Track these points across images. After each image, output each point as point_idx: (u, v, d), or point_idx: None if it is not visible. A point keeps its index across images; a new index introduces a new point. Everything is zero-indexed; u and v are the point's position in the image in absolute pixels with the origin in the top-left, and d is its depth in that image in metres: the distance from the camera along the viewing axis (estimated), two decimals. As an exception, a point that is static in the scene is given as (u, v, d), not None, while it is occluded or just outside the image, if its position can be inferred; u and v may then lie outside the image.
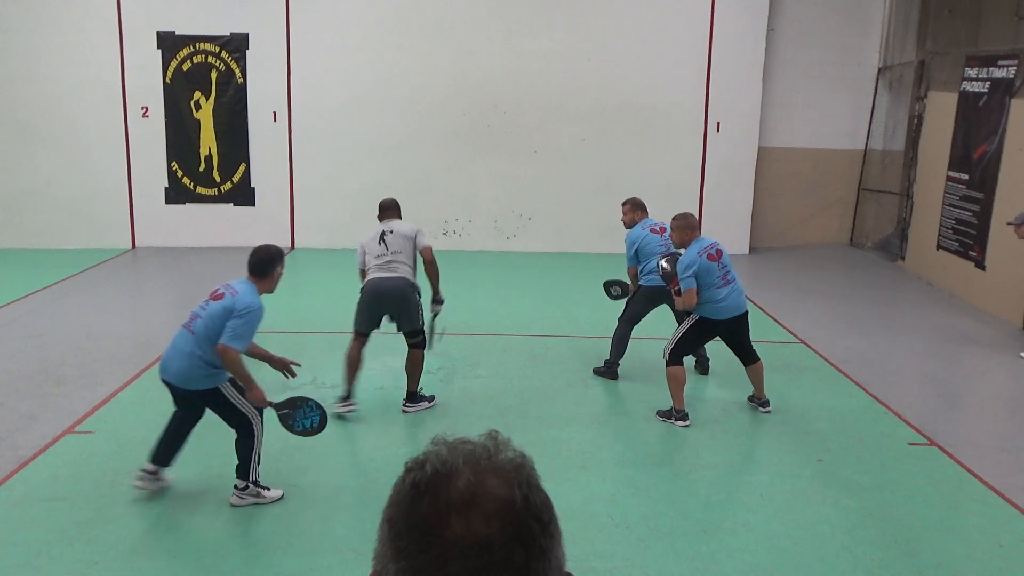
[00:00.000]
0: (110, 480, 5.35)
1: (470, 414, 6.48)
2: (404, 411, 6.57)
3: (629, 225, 7.40)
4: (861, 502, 5.28)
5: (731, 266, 6.47)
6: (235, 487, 5.10)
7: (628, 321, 7.36)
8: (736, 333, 6.53)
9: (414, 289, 6.43)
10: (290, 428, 5.19)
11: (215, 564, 4.49)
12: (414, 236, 6.50)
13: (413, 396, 6.60)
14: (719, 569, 4.51)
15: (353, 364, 6.50)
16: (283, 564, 4.49)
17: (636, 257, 7.21)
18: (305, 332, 8.86)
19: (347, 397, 6.50)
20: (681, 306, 6.43)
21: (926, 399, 7.25)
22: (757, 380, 6.68)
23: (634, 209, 7.44)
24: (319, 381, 7.19)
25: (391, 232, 6.50)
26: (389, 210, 6.79)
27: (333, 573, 4.40)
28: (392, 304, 6.40)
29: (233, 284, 5.03)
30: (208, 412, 5.18)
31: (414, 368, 6.56)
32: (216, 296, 4.99)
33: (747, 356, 6.61)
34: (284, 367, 5.39)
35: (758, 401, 6.74)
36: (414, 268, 6.49)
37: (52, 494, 5.15)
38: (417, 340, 6.53)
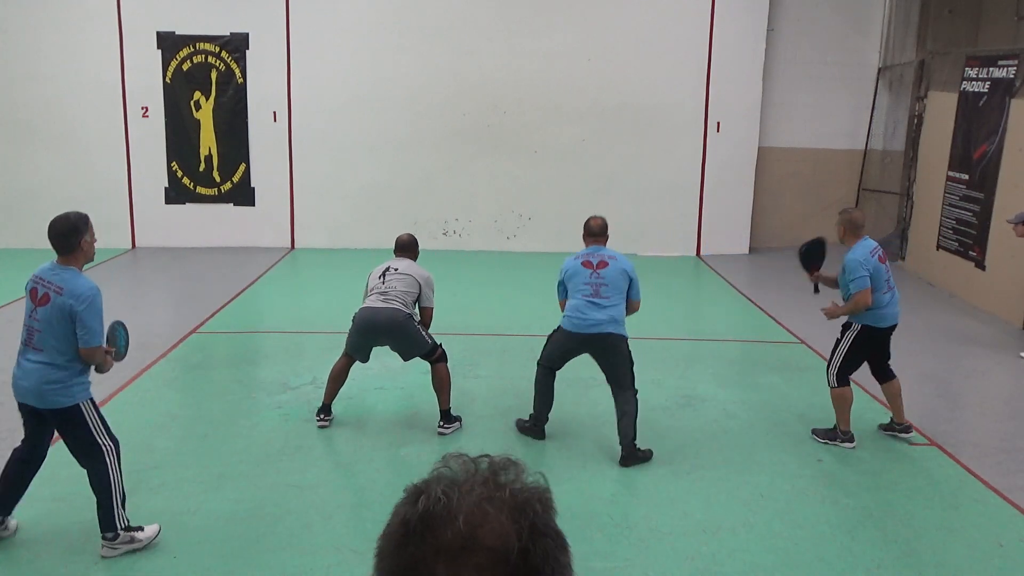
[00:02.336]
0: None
1: (470, 414, 6.48)
2: (440, 433, 6.10)
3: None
4: (861, 502, 5.28)
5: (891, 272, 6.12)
6: (104, 538, 4.47)
7: (546, 366, 6.12)
8: (887, 343, 6.17)
9: (409, 317, 6.03)
10: (118, 353, 4.63)
11: (215, 564, 4.49)
12: (420, 286, 6.11)
13: (447, 416, 6.20)
14: (719, 569, 4.51)
15: (335, 378, 6.25)
16: (283, 564, 4.49)
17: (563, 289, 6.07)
18: (305, 332, 8.86)
19: (324, 410, 6.25)
20: (841, 312, 5.96)
21: (926, 399, 7.25)
22: (895, 401, 6.19)
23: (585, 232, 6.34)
24: (319, 381, 7.18)
25: (395, 271, 6.17)
26: (403, 249, 6.41)
27: (333, 573, 4.40)
28: (386, 335, 6.05)
29: (49, 279, 4.35)
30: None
31: (441, 384, 6.14)
32: (42, 301, 4.33)
33: (885, 372, 6.22)
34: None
35: (899, 427, 6.22)
36: (411, 309, 6.08)
37: (52, 494, 5.15)
38: (437, 355, 6.13)
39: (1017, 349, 8.50)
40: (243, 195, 13.00)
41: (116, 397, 6.82)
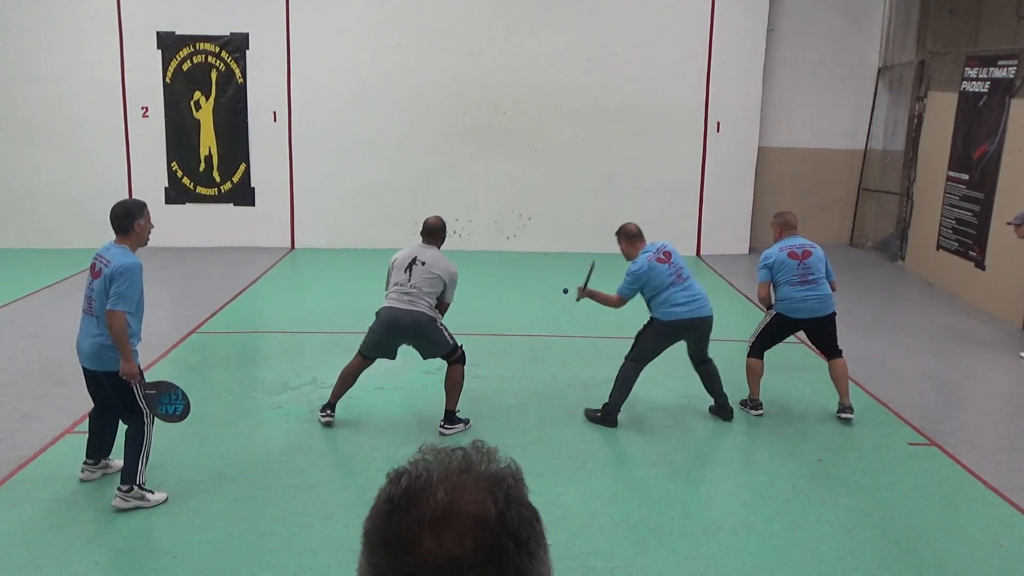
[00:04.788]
0: (110, 480, 5.35)
1: (470, 414, 6.48)
2: (441, 433, 6.11)
3: (631, 257, 6.50)
4: (861, 502, 5.28)
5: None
6: (119, 489, 4.97)
7: (636, 361, 6.42)
8: (820, 332, 6.73)
9: (433, 320, 6.00)
10: (153, 409, 5.08)
11: (215, 564, 4.49)
12: (445, 283, 6.04)
13: (451, 417, 6.18)
14: (719, 569, 4.51)
15: (346, 378, 6.18)
16: (283, 564, 4.49)
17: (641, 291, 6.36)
18: (305, 332, 8.86)
19: (329, 407, 6.20)
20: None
21: (926, 399, 7.25)
22: (839, 382, 6.55)
23: (627, 238, 6.57)
24: (319, 381, 7.19)
25: (422, 265, 6.01)
26: (431, 235, 6.18)
27: (333, 573, 4.40)
28: (410, 336, 6.05)
29: (103, 254, 4.99)
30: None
31: (453, 385, 6.14)
32: (96, 273, 4.98)
33: (830, 353, 6.69)
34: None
35: (842, 406, 6.55)
36: (434, 306, 6.06)
37: (52, 494, 5.15)
38: (456, 356, 6.11)
39: (1017, 349, 8.50)
40: (243, 195, 13.00)
41: (116, 397, 6.82)
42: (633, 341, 6.48)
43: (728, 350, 8.42)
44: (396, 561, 1.00)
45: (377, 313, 6.12)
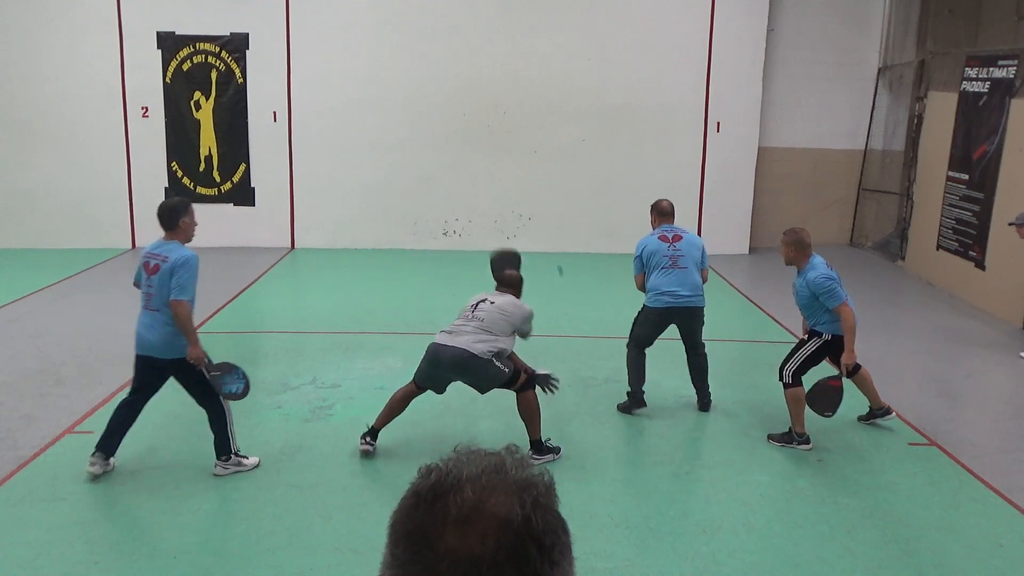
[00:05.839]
0: (110, 480, 5.35)
1: (470, 414, 6.48)
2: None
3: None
4: (861, 502, 5.28)
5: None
6: (218, 460, 5.42)
7: (636, 344, 6.65)
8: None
9: (475, 356, 5.57)
10: (218, 389, 5.41)
11: (215, 564, 4.49)
12: (514, 325, 5.82)
13: (538, 446, 5.76)
14: (719, 569, 4.51)
15: (394, 405, 5.82)
16: (283, 564, 4.49)
17: (641, 265, 6.58)
18: (305, 332, 8.86)
19: (371, 433, 5.80)
20: (852, 348, 5.90)
21: (926, 399, 7.25)
22: (867, 388, 6.35)
23: (655, 214, 6.79)
24: (319, 381, 7.19)
25: (491, 303, 5.83)
26: (507, 286, 6.13)
27: (333, 573, 4.40)
28: (453, 372, 5.71)
29: (156, 251, 5.32)
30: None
31: (526, 414, 5.76)
32: (153, 270, 5.26)
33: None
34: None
35: (879, 411, 6.38)
36: (489, 341, 5.66)
37: (52, 494, 5.15)
38: (520, 383, 5.74)
39: (1017, 349, 8.50)
40: (243, 195, 12.99)
41: (116, 397, 6.82)
42: (631, 325, 6.72)
43: (728, 350, 8.43)
44: (417, 554, 1.00)
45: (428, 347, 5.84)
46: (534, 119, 12.86)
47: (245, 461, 5.52)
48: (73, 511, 4.97)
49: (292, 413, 6.52)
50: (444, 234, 13.08)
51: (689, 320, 6.53)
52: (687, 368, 6.70)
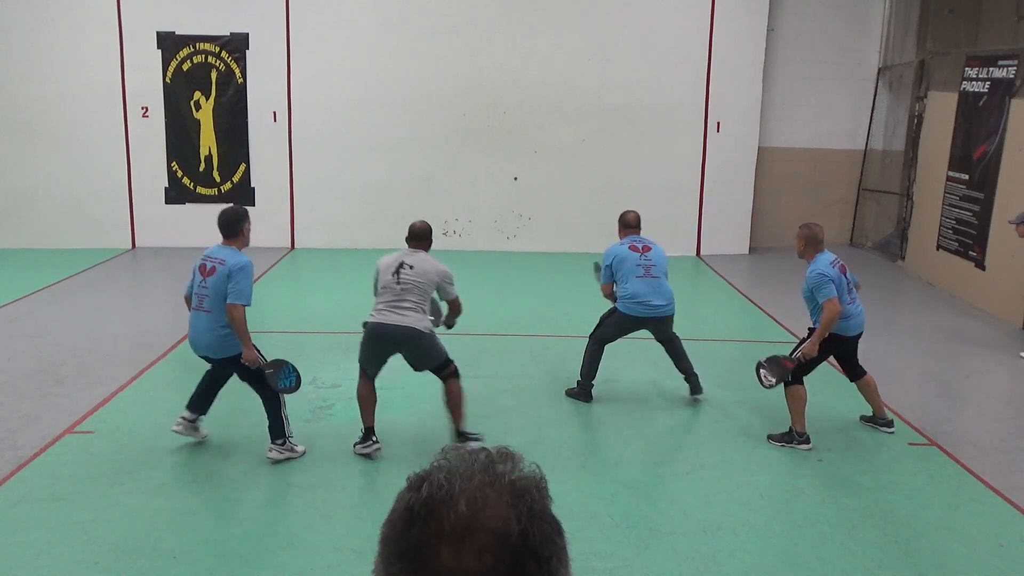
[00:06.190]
0: (110, 480, 5.35)
1: (470, 414, 6.46)
2: None
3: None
4: (861, 502, 5.28)
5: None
6: (273, 445, 5.62)
7: (599, 341, 6.84)
8: (854, 349, 6.28)
9: (423, 334, 5.70)
10: (273, 386, 5.61)
11: (215, 564, 4.49)
12: (437, 283, 5.79)
13: (463, 437, 5.85)
14: (719, 569, 4.51)
15: (364, 400, 5.83)
16: (283, 564, 4.49)
17: (611, 274, 6.75)
18: (305, 332, 8.86)
19: (367, 435, 5.80)
20: (821, 335, 5.88)
21: (926, 399, 7.25)
22: (872, 396, 6.35)
23: (622, 225, 6.99)
24: (319, 381, 7.19)
25: (411, 268, 5.75)
26: (417, 240, 5.98)
27: (333, 573, 4.40)
28: (400, 347, 5.79)
29: (215, 255, 5.52)
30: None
31: (454, 402, 5.83)
32: (209, 272, 5.47)
33: (855, 371, 6.37)
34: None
35: (881, 421, 6.35)
36: (426, 310, 5.79)
37: (52, 494, 5.15)
38: (449, 370, 5.82)
39: (1017, 349, 8.50)
40: (243, 195, 12.98)
41: (116, 397, 6.83)
42: (598, 321, 6.90)
43: (728, 350, 8.43)
44: (413, 573, 0.98)
45: (364, 324, 5.87)
46: (534, 119, 12.86)
47: (297, 448, 5.69)
48: (73, 511, 4.97)
49: (292, 413, 6.48)
50: (444, 234, 13.07)
51: (661, 326, 6.79)
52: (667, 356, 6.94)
